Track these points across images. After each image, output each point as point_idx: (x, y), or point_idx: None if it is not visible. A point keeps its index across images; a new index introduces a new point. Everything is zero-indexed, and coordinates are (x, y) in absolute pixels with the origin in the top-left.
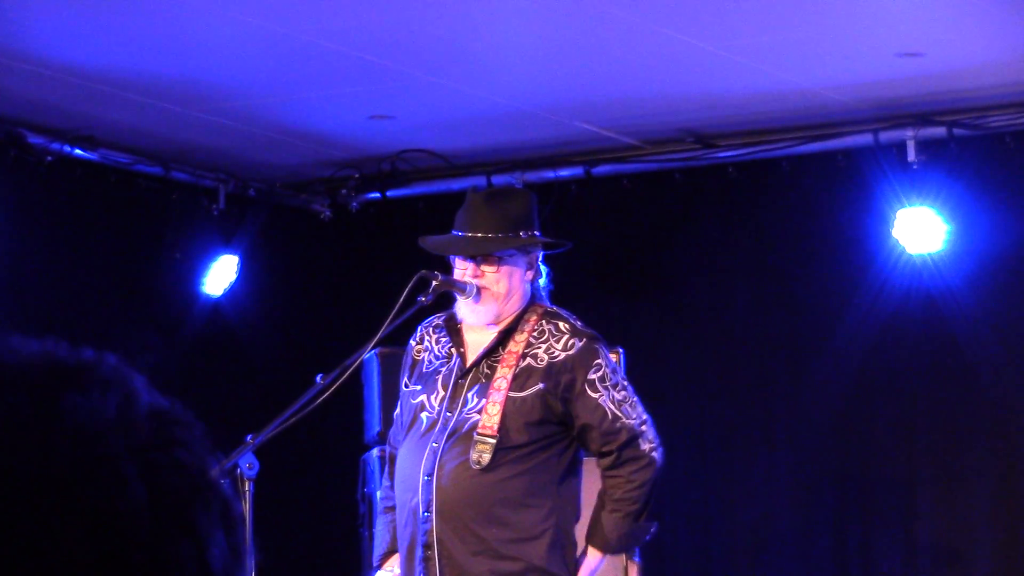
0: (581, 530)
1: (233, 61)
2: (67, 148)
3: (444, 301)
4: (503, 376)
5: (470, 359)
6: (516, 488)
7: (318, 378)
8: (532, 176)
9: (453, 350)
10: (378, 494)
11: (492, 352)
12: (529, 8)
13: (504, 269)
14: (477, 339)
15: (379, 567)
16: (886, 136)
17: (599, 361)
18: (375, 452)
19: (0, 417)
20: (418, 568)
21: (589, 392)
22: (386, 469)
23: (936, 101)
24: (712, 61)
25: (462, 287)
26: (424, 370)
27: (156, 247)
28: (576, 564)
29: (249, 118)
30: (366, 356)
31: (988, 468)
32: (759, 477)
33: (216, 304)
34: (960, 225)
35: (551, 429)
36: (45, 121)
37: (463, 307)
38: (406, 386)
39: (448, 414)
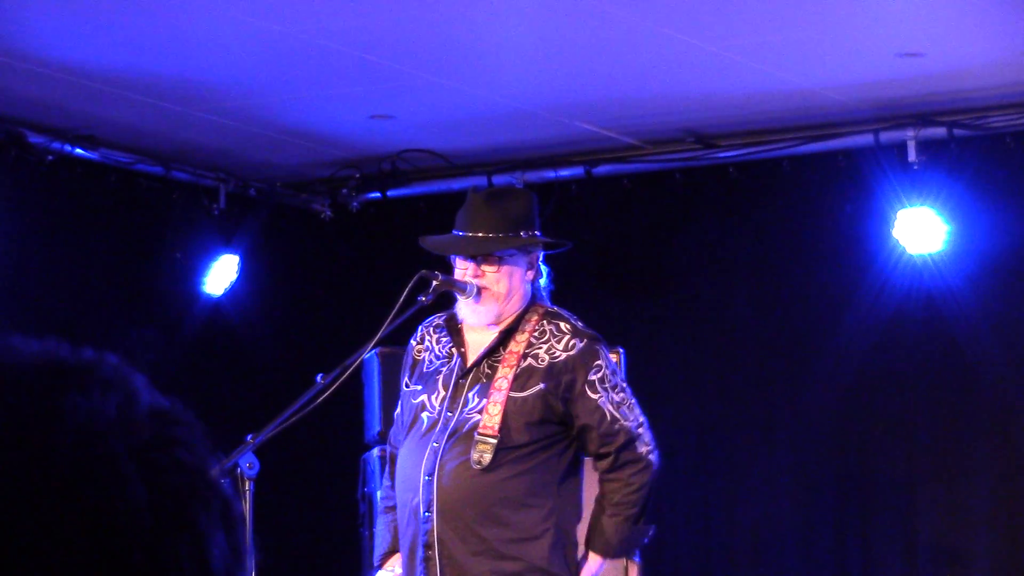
0: (582, 530)
1: (234, 61)
2: (68, 148)
3: (444, 301)
4: (504, 376)
5: (471, 359)
6: (517, 488)
7: (318, 378)
8: (533, 176)
9: (454, 350)
10: (378, 494)
11: (493, 352)
12: (530, 8)
13: (505, 269)
14: (478, 339)
15: (380, 567)
16: (886, 136)
17: (599, 362)
18: (375, 452)
19: (1, 417)
20: (419, 568)
21: (589, 393)
22: (386, 469)
23: (936, 101)
24: (713, 61)
25: (462, 287)
26: (425, 370)
27: (157, 247)
28: (577, 565)
29: (250, 118)
30: (366, 356)
31: (988, 468)
32: (759, 477)
33: (216, 304)
34: (960, 225)
35: (552, 429)
36: (46, 121)
37: (464, 307)
38: (407, 386)
39: (449, 414)
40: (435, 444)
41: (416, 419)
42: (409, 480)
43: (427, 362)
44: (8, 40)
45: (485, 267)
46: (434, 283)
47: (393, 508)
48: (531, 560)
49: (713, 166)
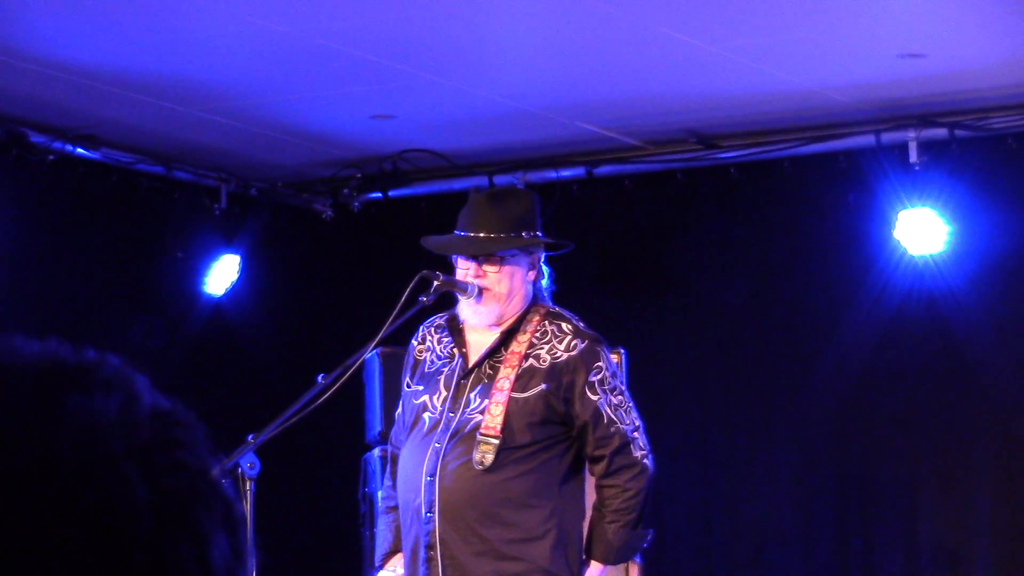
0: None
1: (235, 61)
2: (69, 147)
3: (445, 301)
4: (506, 377)
5: (472, 360)
6: (518, 488)
7: (319, 378)
8: (534, 176)
9: (455, 350)
10: (379, 494)
11: (494, 353)
12: (531, 8)
13: (506, 269)
14: (479, 340)
15: (381, 567)
16: (888, 137)
17: (600, 363)
18: (376, 452)
19: (2, 417)
20: (421, 568)
21: (588, 394)
22: (387, 469)
23: (938, 102)
24: (714, 62)
25: (464, 287)
26: (426, 370)
27: (158, 246)
28: (579, 566)
29: (251, 117)
30: (367, 356)
31: (989, 468)
32: (760, 477)
33: (217, 304)
34: (961, 226)
35: (554, 430)
36: (47, 120)
37: (465, 307)
38: (408, 386)
39: (451, 414)
40: (437, 445)
41: (418, 419)
42: (411, 480)
43: (428, 362)
44: (9, 39)
45: (487, 267)
46: (435, 283)
47: (394, 508)
48: (533, 561)
49: (714, 167)
